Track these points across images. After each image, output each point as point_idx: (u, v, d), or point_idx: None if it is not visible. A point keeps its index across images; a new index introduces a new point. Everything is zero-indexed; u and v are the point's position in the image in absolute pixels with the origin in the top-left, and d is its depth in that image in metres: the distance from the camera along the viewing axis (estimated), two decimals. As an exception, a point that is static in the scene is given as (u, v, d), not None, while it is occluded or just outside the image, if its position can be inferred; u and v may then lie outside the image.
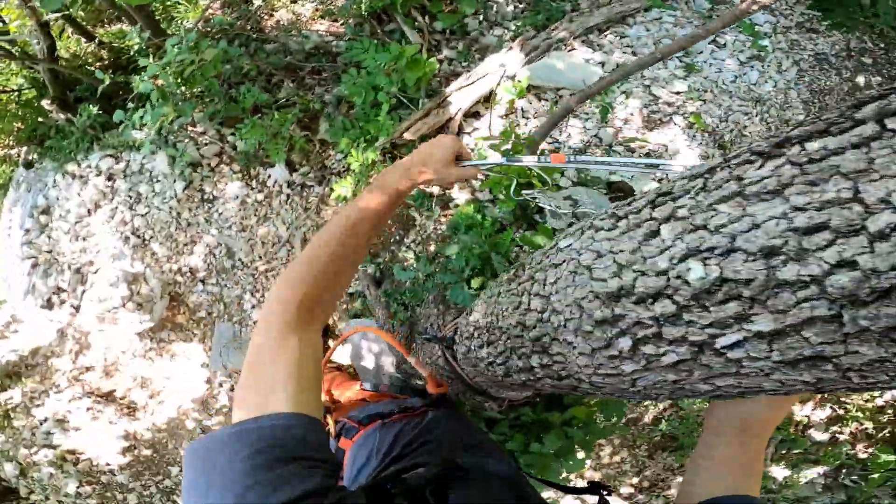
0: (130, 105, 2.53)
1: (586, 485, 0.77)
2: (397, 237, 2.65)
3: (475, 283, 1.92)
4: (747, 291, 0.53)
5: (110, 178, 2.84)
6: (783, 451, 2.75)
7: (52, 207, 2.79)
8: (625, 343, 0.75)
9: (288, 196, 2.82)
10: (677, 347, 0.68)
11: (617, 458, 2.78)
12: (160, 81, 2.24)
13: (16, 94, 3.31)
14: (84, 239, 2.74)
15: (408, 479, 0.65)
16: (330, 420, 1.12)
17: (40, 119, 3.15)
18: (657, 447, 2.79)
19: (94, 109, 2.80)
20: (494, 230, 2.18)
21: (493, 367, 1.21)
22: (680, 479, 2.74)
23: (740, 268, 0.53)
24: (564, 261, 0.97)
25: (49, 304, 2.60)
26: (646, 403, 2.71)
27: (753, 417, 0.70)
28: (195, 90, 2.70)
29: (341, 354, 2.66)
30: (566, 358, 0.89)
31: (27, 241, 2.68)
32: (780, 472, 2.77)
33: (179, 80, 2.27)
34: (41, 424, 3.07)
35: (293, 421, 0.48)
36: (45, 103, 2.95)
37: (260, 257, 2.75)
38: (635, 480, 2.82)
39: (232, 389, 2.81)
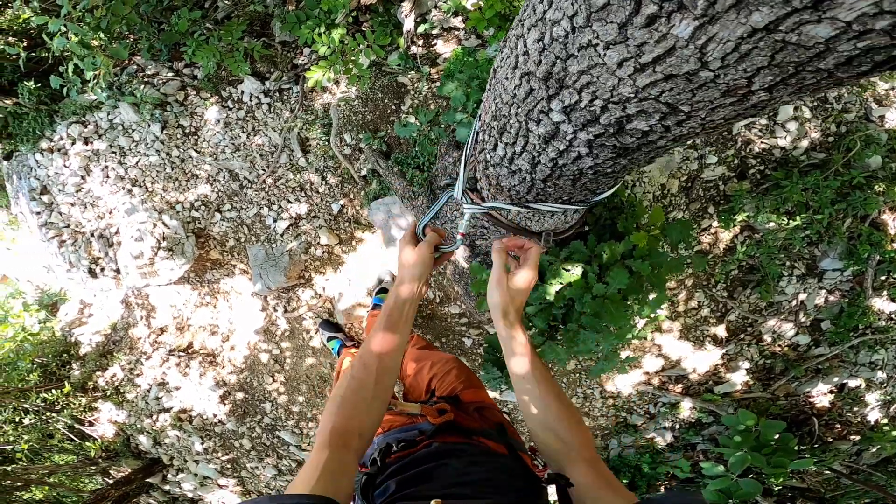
0: (62, 69, 2.35)
1: (547, 476, 0.81)
2: (392, 107, 2.35)
3: (482, 111, 1.62)
4: None
5: (86, 141, 2.72)
6: (882, 278, 2.35)
7: (48, 186, 2.75)
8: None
9: (269, 105, 2.60)
10: None
11: (693, 303, 2.51)
12: (74, 36, 2.01)
13: None
14: (92, 205, 2.71)
15: None
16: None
17: None
18: (736, 284, 2.49)
19: (32, 84, 2.66)
20: (491, 67, 1.84)
21: (517, 164, 0.99)
22: (772, 321, 2.49)
23: None
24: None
25: (93, 275, 2.66)
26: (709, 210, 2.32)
27: (505, 305, 0.92)
28: (118, 30, 2.43)
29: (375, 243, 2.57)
30: (593, 73, 0.67)
31: (42, 223, 2.70)
32: (883, 304, 2.39)
33: (92, 27, 2.04)
34: (148, 392, 3.33)
35: (297, 499, 0.65)
36: None
37: (263, 170, 2.62)
38: (720, 330, 2.57)
39: (285, 311, 2.83)
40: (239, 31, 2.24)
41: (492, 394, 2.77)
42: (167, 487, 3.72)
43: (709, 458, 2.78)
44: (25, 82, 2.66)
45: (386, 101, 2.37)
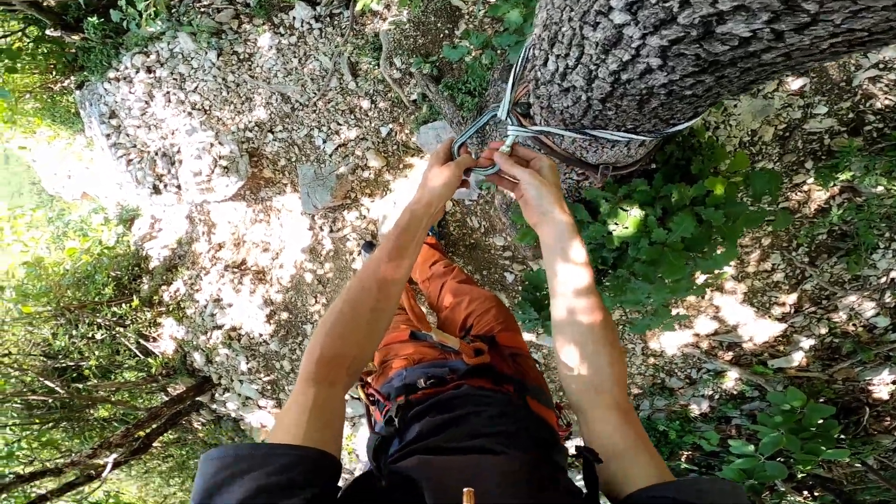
0: (121, 3, 2.39)
1: (576, 448, 0.68)
2: (444, 32, 2.18)
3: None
4: None
5: (149, 70, 2.83)
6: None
7: (116, 111, 2.93)
8: None
9: (320, 30, 2.53)
10: None
11: (766, 266, 2.25)
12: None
13: (22, 35, 3.33)
14: (156, 126, 2.85)
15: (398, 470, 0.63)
16: (361, 393, 1.07)
17: (63, 48, 3.23)
18: (821, 250, 2.19)
19: (96, 20, 2.74)
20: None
21: (570, 80, 0.86)
22: (852, 297, 2.20)
23: None
24: None
25: (157, 191, 2.83)
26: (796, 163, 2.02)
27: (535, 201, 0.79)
28: None
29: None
30: None
31: (111, 144, 2.89)
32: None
33: None
34: (205, 308, 3.52)
35: (285, 450, 0.55)
36: (50, 32, 2.97)
37: (314, 93, 2.61)
38: (791, 298, 2.29)
39: (331, 231, 2.87)
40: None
41: (527, 336, 2.76)
42: (214, 406, 3.92)
43: (742, 435, 2.65)
44: (90, 18, 2.77)
45: (438, 24, 2.20)
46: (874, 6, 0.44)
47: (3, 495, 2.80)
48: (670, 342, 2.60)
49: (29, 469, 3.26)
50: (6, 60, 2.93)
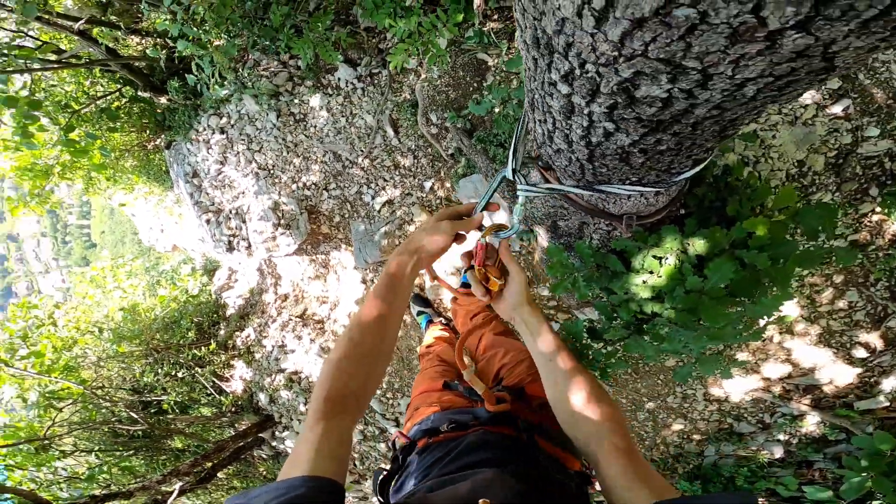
0: (194, 68, 2.72)
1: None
2: (474, 85, 2.30)
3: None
4: None
5: (222, 131, 3.19)
6: None
7: (197, 171, 3.30)
8: None
9: (363, 89, 2.77)
10: None
11: (842, 304, 2.06)
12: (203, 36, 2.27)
13: (118, 94, 3.68)
14: (230, 187, 3.20)
15: None
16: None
17: (153, 108, 3.63)
18: (903, 284, 1.96)
19: (176, 82, 3.13)
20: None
21: (556, 144, 0.93)
22: None
23: None
24: None
25: (230, 248, 3.17)
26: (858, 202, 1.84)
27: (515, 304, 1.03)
28: (227, 29, 2.68)
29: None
30: (566, 30, 0.56)
31: (194, 202, 3.27)
32: None
33: (200, 26, 2.26)
34: (270, 353, 3.80)
35: (301, 482, 0.63)
36: (141, 93, 3.34)
37: (361, 151, 2.81)
38: (871, 337, 2.07)
39: None
40: (326, 21, 2.34)
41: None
42: (274, 443, 4.13)
43: (826, 479, 2.36)
44: (171, 81, 3.12)
45: (468, 78, 2.33)
46: (749, 53, 0.45)
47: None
48: (735, 388, 2.39)
49: (104, 492, 3.47)
50: (108, 121, 3.26)
